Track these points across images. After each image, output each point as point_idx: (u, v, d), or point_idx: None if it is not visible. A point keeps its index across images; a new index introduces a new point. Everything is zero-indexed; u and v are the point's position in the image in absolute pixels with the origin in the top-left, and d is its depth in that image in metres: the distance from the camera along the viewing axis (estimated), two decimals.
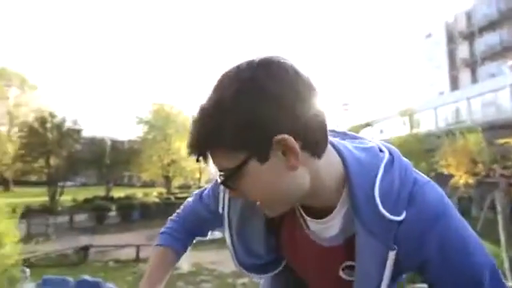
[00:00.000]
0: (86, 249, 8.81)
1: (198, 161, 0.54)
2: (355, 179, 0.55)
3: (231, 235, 0.72)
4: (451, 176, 10.21)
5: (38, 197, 21.64)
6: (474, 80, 32.52)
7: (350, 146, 0.60)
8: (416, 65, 39.91)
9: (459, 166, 7.79)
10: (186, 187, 38.06)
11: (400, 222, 0.53)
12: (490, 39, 30.22)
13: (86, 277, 4.54)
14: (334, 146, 0.58)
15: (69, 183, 39.45)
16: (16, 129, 27.47)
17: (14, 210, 6.36)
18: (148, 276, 0.78)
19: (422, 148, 14.77)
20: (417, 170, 0.59)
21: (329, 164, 0.55)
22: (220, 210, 0.72)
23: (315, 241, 0.64)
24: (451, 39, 35.84)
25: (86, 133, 26.26)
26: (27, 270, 4.36)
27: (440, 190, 0.57)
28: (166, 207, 18.86)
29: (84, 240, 10.20)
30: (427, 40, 38.40)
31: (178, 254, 0.82)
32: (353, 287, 0.61)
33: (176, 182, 32.66)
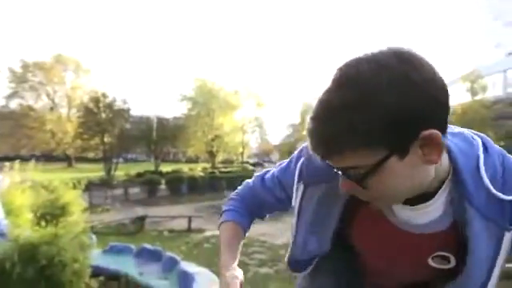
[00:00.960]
0: (142, 219, 9.32)
1: (322, 159, 0.52)
2: (462, 166, 0.55)
3: (297, 226, 0.73)
4: None
5: (95, 172, 23.49)
6: None
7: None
8: (480, 23, 35.69)
9: None
10: (228, 162, 38.96)
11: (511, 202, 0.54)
12: None
13: (147, 245, 4.71)
14: (452, 150, 0.57)
15: (121, 160, 42.43)
16: (74, 110, 29.69)
17: (79, 182, 6.79)
18: (227, 247, 0.76)
19: (489, 116, 13.39)
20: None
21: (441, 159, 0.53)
22: (293, 203, 0.73)
23: (402, 228, 0.62)
24: None
25: (135, 112, 27.60)
26: (93, 237, 4.61)
27: None
28: (211, 181, 19.41)
29: (139, 211, 10.81)
30: None
31: (245, 231, 0.81)
32: (438, 273, 0.62)
33: (219, 157, 33.54)
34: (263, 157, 61.39)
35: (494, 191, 0.54)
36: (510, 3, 31.48)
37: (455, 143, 0.57)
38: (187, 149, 31.41)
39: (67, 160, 32.67)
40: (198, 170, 30.48)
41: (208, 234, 9.21)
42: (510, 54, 28.30)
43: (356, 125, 0.45)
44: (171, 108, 57.95)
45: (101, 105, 23.17)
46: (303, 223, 0.72)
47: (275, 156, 59.40)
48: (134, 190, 17.59)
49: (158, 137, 26.41)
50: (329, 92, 0.48)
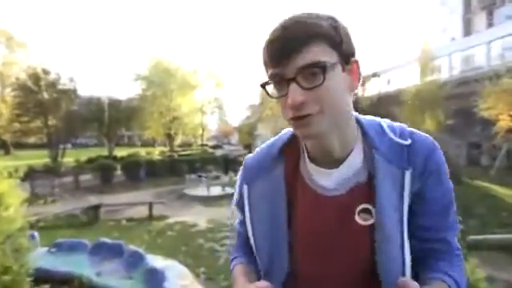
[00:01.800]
0: (96, 208, 8.39)
1: (282, 64, 0.58)
2: (366, 125, 0.69)
3: (252, 229, 0.76)
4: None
5: (39, 159, 21.22)
6: (490, 24, 30.67)
7: None
8: (428, 10, 37.82)
9: (504, 108, 7.12)
10: (187, 145, 37.78)
11: (408, 146, 0.66)
12: None
13: (105, 239, 4.05)
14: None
15: (70, 146, 39.14)
16: (9, 89, 26.26)
17: (16, 171, 5.76)
18: (240, 276, 0.74)
19: (440, 95, 14.13)
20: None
21: (352, 111, 0.68)
22: (234, 204, 0.84)
23: (326, 195, 0.69)
24: None
25: (83, 92, 25.08)
26: (36, 235, 3.85)
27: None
28: (171, 164, 18.50)
29: (93, 200, 9.78)
30: None
31: (254, 266, 0.78)
32: (369, 235, 0.65)
33: (178, 140, 32.30)
34: (222, 139, 60.69)
35: (395, 138, 0.67)
36: None
37: (362, 117, 0.72)
38: (143, 132, 29.67)
39: (3, 147, 29.23)
40: (156, 153, 29.14)
41: (171, 220, 8.62)
42: (453, 39, 30.25)
43: (322, 27, 0.58)
44: (123, 89, 54.41)
45: (42, 83, 20.66)
46: (256, 224, 0.74)
47: (235, 138, 58.99)
48: (86, 178, 16.14)
49: (111, 119, 24.46)
50: (293, 16, 0.61)
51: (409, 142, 0.66)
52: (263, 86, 0.63)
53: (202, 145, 34.06)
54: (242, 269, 0.77)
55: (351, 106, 0.65)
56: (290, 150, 0.75)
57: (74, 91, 22.10)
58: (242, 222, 0.82)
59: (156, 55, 27.70)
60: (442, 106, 15.56)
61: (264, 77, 0.64)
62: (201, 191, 12.87)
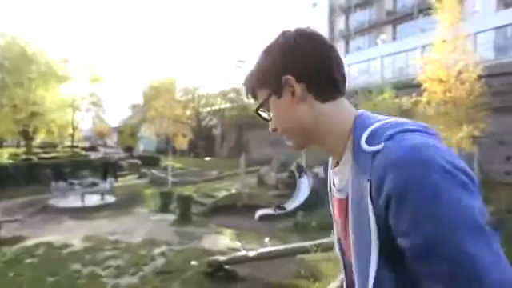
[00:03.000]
0: None
1: (254, 98, 0.74)
2: (358, 129, 0.62)
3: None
4: None
5: None
6: (347, 51, 37.01)
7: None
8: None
9: None
10: (50, 146, 31.57)
11: (375, 153, 0.55)
12: (362, 16, 34.58)
13: None
14: (358, 116, 0.66)
15: None
16: None
17: None
18: None
19: None
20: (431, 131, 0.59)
21: (335, 114, 0.66)
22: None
23: (335, 196, 0.73)
24: (333, 11, 39.40)
25: None
26: None
27: (433, 145, 0.52)
28: (28, 170, 14.89)
29: None
30: (312, 9, 41.42)
31: None
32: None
33: (37, 140, 26.58)
34: (97, 140, 53.64)
35: (362, 144, 0.58)
36: (323, 18, 38.94)
37: (371, 117, 0.65)
38: None
39: None
40: (5, 156, 23.16)
41: (29, 242, 6.66)
42: None
43: (256, 73, 0.71)
44: None
45: None
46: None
47: (112, 139, 52.94)
48: None
49: None
50: None
51: (377, 148, 0.55)
52: (257, 110, 0.72)
53: (72, 146, 28.97)
54: None
55: (313, 112, 0.66)
56: None
57: None
58: None
59: (8, 32, 22.10)
60: None
61: None
62: (72, 202, 10.65)
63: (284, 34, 0.69)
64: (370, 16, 34.03)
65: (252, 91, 0.73)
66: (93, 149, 39.14)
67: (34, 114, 21.89)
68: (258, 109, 0.71)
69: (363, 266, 0.58)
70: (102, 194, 11.29)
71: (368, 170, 0.55)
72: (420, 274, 0.49)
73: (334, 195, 0.73)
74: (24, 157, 21.01)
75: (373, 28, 33.22)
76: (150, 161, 24.07)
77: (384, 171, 0.52)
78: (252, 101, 0.75)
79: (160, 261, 5.70)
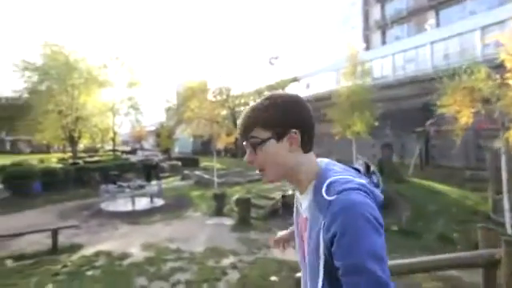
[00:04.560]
0: None
1: (241, 137, 0.94)
2: (319, 178, 0.89)
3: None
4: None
5: None
6: (384, 42, 34.89)
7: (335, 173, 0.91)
8: (334, 24, 41.36)
9: (464, 104, 6.98)
10: (91, 151, 32.48)
11: (330, 201, 0.79)
12: (399, 3, 32.47)
13: None
14: (323, 168, 0.93)
15: None
16: None
17: None
18: None
19: (368, 98, 14.77)
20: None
21: (309, 164, 0.93)
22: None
23: (302, 214, 0.97)
24: (367, 1, 37.49)
25: None
26: None
27: (364, 202, 0.78)
28: (77, 173, 14.94)
29: None
30: (346, 0, 39.80)
31: None
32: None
33: (80, 145, 27.35)
34: (134, 144, 55.06)
35: (324, 194, 0.83)
36: (356, 10, 37.25)
37: (330, 169, 0.91)
38: (34, 135, 23.99)
39: None
40: (53, 161, 23.97)
41: (88, 251, 6.19)
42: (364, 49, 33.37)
43: (261, 117, 0.89)
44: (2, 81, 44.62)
45: None
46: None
47: (148, 142, 54.05)
48: None
49: None
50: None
51: (331, 198, 0.80)
52: (252, 142, 0.92)
53: (113, 150, 29.56)
54: None
55: (298, 160, 0.91)
56: None
57: None
58: None
59: (52, 41, 22.76)
60: (370, 107, 16.25)
61: None
62: (123, 205, 10.30)
63: (278, 95, 0.95)
64: (407, 3, 31.93)
65: (249, 129, 0.91)
66: (132, 152, 40.03)
67: (78, 119, 22.39)
68: (254, 142, 0.91)
69: (314, 276, 0.84)
70: (151, 196, 10.88)
71: (324, 211, 0.80)
72: (345, 284, 0.74)
73: (302, 213, 0.96)
74: (71, 161, 21.52)
75: (412, 15, 31.09)
76: (189, 162, 23.86)
77: (335, 216, 0.76)
78: None
79: (233, 275, 4.94)
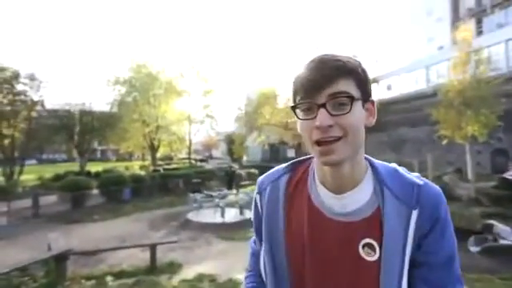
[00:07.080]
0: (60, 259, 4.89)
1: (315, 91, 0.64)
2: (375, 163, 0.74)
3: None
4: None
5: None
6: (480, 32, 29.93)
7: None
8: (414, 19, 37.33)
9: None
10: (167, 158, 33.76)
11: (420, 187, 0.68)
12: None
13: None
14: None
15: (34, 161, 33.99)
16: None
17: None
18: None
19: (489, 92, 12.09)
20: None
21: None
22: (252, 218, 0.83)
23: (332, 218, 0.70)
24: None
25: (51, 101, 20.83)
26: None
27: None
28: (162, 180, 14.92)
29: (54, 238, 6.20)
30: None
31: None
32: (373, 270, 0.66)
33: (159, 153, 28.48)
34: (204, 152, 56.80)
35: (408, 176, 0.71)
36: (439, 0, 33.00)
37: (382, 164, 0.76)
38: (120, 144, 25.60)
39: None
40: (136, 168, 25.17)
41: (189, 273, 5.25)
42: (441, 47, 29.21)
43: (352, 66, 0.66)
44: (97, 94, 49.32)
45: None
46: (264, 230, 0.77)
47: (218, 150, 55.24)
48: (50, 200, 12.33)
49: (83, 128, 20.62)
50: (322, 55, 0.68)
51: (422, 182, 0.69)
52: (293, 108, 0.68)
53: (188, 158, 30.32)
54: None
55: (363, 137, 0.69)
56: (300, 167, 0.79)
57: (37, 91, 18.02)
58: (256, 237, 0.86)
59: (138, 57, 24.18)
60: (490, 102, 13.32)
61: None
62: (210, 216, 9.51)
63: (358, 60, 0.71)
64: None
65: (342, 78, 0.65)
66: (204, 160, 41.04)
67: (158, 128, 23.22)
68: (350, 100, 0.65)
69: (389, 279, 0.66)
70: (241, 207, 9.93)
71: (414, 199, 0.67)
72: (427, 277, 0.66)
73: (331, 217, 0.70)
74: (152, 168, 22.31)
75: None
76: (264, 170, 22.89)
77: (436, 203, 0.67)
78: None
79: None
